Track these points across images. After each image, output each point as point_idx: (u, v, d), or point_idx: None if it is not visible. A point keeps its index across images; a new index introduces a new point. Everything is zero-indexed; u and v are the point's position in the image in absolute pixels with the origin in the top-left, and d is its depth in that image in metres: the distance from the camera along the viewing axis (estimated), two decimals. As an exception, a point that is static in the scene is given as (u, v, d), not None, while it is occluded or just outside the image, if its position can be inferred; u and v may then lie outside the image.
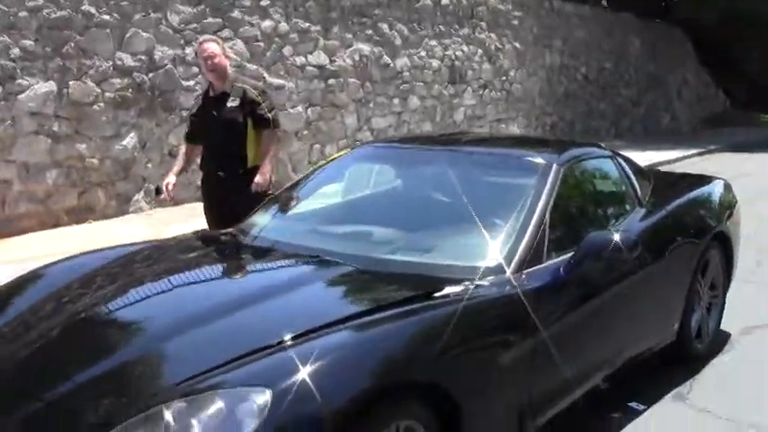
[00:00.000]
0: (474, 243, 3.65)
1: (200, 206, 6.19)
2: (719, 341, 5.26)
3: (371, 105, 13.62)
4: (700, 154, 17.38)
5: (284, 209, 4.50)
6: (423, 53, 14.78)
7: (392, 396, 2.66)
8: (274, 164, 5.94)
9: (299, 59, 12.18)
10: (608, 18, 22.04)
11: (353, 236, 3.95)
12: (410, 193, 4.50)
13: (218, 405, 2.41)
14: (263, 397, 2.40)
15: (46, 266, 4.00)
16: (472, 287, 3.27)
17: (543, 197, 3.82)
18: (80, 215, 9.49)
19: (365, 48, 13.38)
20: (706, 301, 5.06)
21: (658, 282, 4.44)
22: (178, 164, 6.07)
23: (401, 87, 14.25)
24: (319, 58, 12.52)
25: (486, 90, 16.62)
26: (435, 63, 15.10)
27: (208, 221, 5.86)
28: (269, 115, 5.70)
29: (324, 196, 4.61)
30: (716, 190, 5.51)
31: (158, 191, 10.15)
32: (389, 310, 2.99)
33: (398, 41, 14.13)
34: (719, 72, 28.33)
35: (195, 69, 10.44)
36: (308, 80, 12.34)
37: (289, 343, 2.70)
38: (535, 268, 3.54)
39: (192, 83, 10.44)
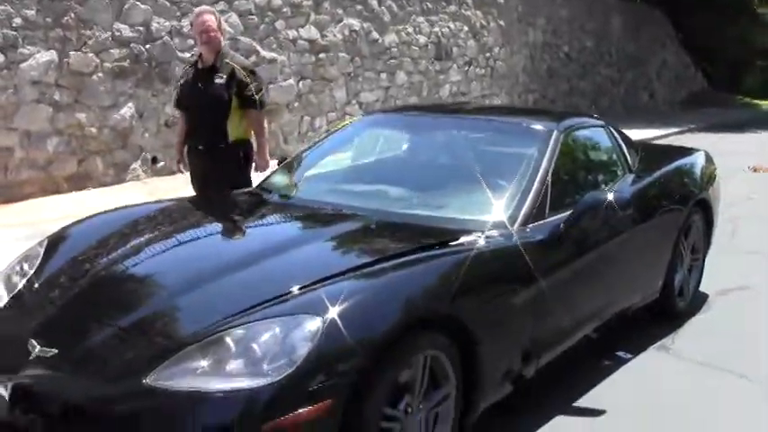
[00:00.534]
0: (483, 200, 4.00)
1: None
2: (698, 301, 5.65)
3: (360, 80, 13.91)
4: (677, 133, 17.78)
5: (301, 170, 4.82)
6: (410, 29, 15.06)
7: (419, 328, 2.99)
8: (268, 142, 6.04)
9: (291, 33, 12.44)
10: (589, -3, 22.41)
11: (371, 194, 4.26)
12: (420, 156, 4.82)
13: (274, 331, 2.73)
14: (314, 323, 2.73)
15: (73, 224, 4.22)
16: (483, 237, 3.62)
17: (545, 160, 4.17)
18: (79, 182, 9.72)
19: (355, 23, 13.65)
20: (688, 263, 5.43)
21: (646, 242, 4.79)
22: (180, 134, 6.00)
23: (389, 63, 14.54)
24: (310, 32, 12.78)
25: (471, 67, 16.93)
26: (422, 39, 15.39)
27: (194, 191, 5.88)
28: (256, 97, 5.68)
29: (337, 160, 4.93)
30: (698, 161, 5.87)
31: (155, 160, 10.51)
32: (412, 255, 3.32)
33: (387, 17, 14.40)
34: (698, 53, 28.79)
35: (191, 42, 10.66)
36: (299, 54, 12.61)
37: (329, 281, 3.03)
38: (538, 223, 3.89)
39: (187, 54, 10.64)
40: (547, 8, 19.70)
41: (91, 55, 9.66)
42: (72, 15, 9.44)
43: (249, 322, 2.80)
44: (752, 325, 5.30)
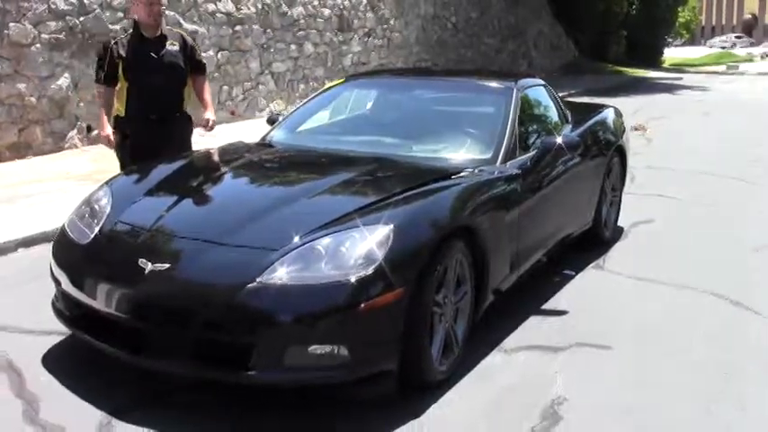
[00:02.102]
0: (471, 144, 4.97)
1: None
2: (617, 232, 6.79)
3: (272, 51, 14.62)
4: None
5: (297, 126, 5.62)
6: (315, 2, 15.82)
7: (451, 236, 3.89)
8: None
9: (211, 6, 13.04)
10: (474, -30, 23.57)
11: (373, 142, 5.11)
12: (410, 111, 5.69)
13: (354, 237, 3.58)
14: (385, 230, 3.61)
15: (127, 172, 4.98)
16: (477, 171, 4.56)
17: (511, 111, 5.15)
18: (20, 151, 10.13)
19: (267, -4, 14.34)
20: (610, 199, 6.53)
21: (583, 180, 5.85)
22: (106, 110, 5.82)
23: (297, 34, 15.28)
24: (227, 5, 13.40)
25: (370, 38, 17.83)
26: (326, 12, 16.18)
27: (122, 162, 5.82)
28: (205, 61, 5.93)
29: (324, 117, 5.75)
30: (612, 114, 7.00)
31: (89, 128, 10.97)
32: (432, 184, 4.24)
33: (295, -10, 15.14)
34: (570, 23, 30.51)
35: (120, 14, 11.19)
36: (218, 26, 13.23)
37: (380, 204, 3.91)
38: (512, 161, 4.86)
39: (117, 27, 11.15)
40: (436, -19, 20.75)
41: (29, 26, 10.06)
42: (10, -13, 9.80)
43: (334, 233, 3.64)
44: (658, 247, 6.56)
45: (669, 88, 25.31)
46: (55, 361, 4.13)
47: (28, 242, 6.37)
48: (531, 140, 5.23)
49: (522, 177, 4.78)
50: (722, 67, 40.99)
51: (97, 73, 5.85)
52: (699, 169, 10.19)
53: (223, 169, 4.81)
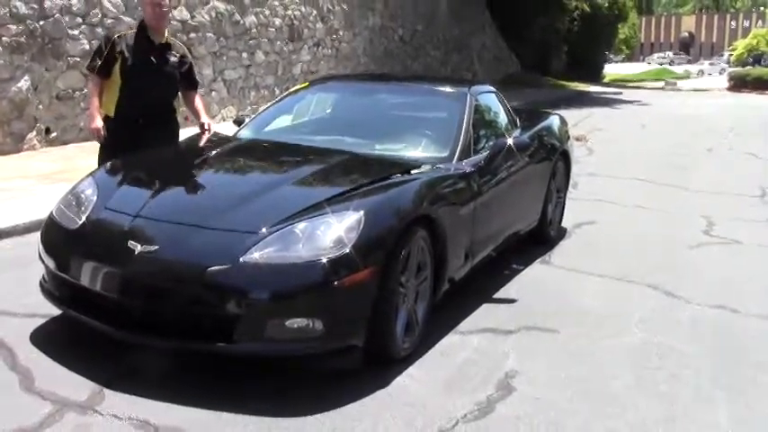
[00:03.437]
0: (429, 142, 5.38)
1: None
2: (562, 231, 7.25)
3: (224, 58, 14.90)
4: (504, 109, 19.66)
5: (263, 127, 5.95)
6: (267, 12, 16.14)
7: (413, 223, 4.27)
8: None
9: (167, 13, 13.24)
10: (421, -16, 24.10)
11: (337, 141, 5.44)
12: (371, 112, 6.05)
13: (329, 222, 3.96)
14: (357, 216, 4.00)
15: (114, 163, 5.14)
16: (434, 168, 4.97)
17: (466, 114, 5.57)
18: (-22, 151, 10.27)
19: (220, 5, 14.62)
20: (554, 200, 6.98)
21: (530, 181, 6.29)
22: (96, 101, 5.84)
23: (249, 43, 15.59)
24: (182, 13, 13.65)
25: (319, 48, 18.20)
26: (278, 21, 16.51)
27: (101, 160, 5.73)
28: (198, 80, 6.16)
29: (290, 119, 6.10)
30: (557, 121, 7.47)
31: (48, 131, 11.13)
32: (394, 178, 4.64)
33: (247, 1, 15.43)
34: (512, 38, 31.25)
35: (79, 20, 11.40)
36: (172, 33, 13.42)
37: (350, 194, 4.30)
38: (467, 160, 5.26)
39: (76, 32, 11.35)
40: (384, -7, 21.23)
41: (-10, 30, 10.21)
42: (-28, -9, 9.96)
43: (310, 218, 4.02)
44: (599, 245, 7.07)
45: (609, 102, 26.16)
46: (43, 340, 4.39)
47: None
48: (484, 142, 5.65)
49: (477, 175, 5.19)
50: (661, 83, 42.23)
51: (93, 60, 5.81)
52: (636, 176, 10.84)
53: (203, 158, 5.16)
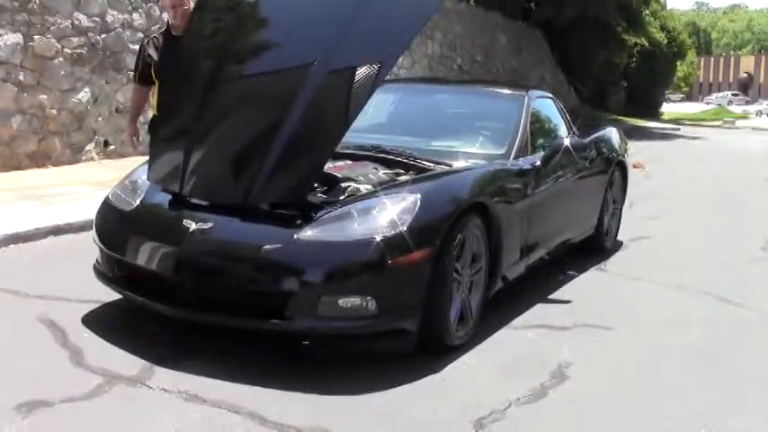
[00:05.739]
0: (487, 140, 5.36)
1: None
2: (618, 244, 7.14)
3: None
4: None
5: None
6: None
7: (468, 211, 4.22)
8: None
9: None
10: (479, 15, 24.17)
11: (394, 140, 5.38)
12: (425, 112, 6.06)
13: (386, 202, 3.94)
14: (414, 198, 3.98)
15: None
16: (490, 162, 4.93)
17: (523, 115, 5.54)
18: (38, 160, 10.42)
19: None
20: (611, 211, 6.88)
21: (587, 189, 6.21)
22: (133, 110, 6.13)
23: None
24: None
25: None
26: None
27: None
28: None
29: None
30: (615, 133, 7.36)
31: (107, 143, 11.31)
32: (451, 167, 4.64)
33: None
34: (571, 72, 31.20)
35: (140, 35, 11.59)
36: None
37: (412, 177, 4.38)
38: (524, 158, 5.21)
39: (137, 46, 11.53)
40: (443, 23, 21.30)
41: (53, 40, 10.41)
42: (36, 2, 10.17)
43: (366, 199, 4.03)
44: (656, 257, 6.97)
45: (667, 136, 26.00)
46: (94, 322, 4.41)
47: (56, 231, 6.68)
48: (540, 143, 5.59)
49: (533, 173, 5.13)
50: (718, 122, 41.79)
51: (135, 70, 6.05)
52: (693, 199, 10.70)
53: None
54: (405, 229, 3.81)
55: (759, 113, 59.36)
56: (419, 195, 3.99)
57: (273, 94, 4.37)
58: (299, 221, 3.88)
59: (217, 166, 4.34)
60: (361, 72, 4.15)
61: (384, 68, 4.17)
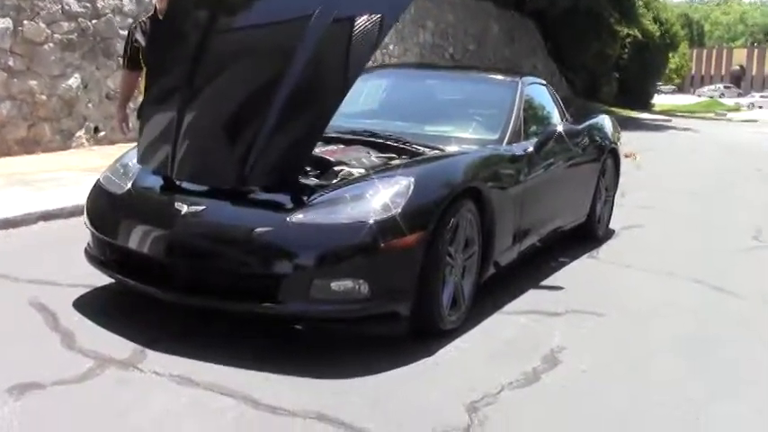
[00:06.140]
0: (481, 125, 5.33)
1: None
2: (609, 232, 7.15)
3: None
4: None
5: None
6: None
7: (461, 195, 4.21)
8: None
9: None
10: (471, 5, 24.11)
11: (387, 125, 5.38)
12: (418, 97, 6.04)
13: (379, 186, 3.92)
14: (407, 181, 3.96)
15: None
16: (483, 147, 4.93)
17: (517, 100, 5.52)
18: (28, 146, 10.34)
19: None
20: (603, 198, 6.87)
21: (578, 175, 6.20)
22: (122, 96, 6.25)
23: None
24: None
25: (370, 62, 18.20)
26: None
27: None
28: None
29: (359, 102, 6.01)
30: (608, 120, 7.36)
31: (97, 130, 11.25)
32: (444, 152, 4.62)
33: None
34: (563, 62, 31.16)
35: (130, 20, 11.50)
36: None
37: (406, 161, 4.34)
38: (517, 143, 5.20)
39: (126, 32, 11.45)
40: (435, 12, 21.25)
41: (43, 26, 10.32)
42: (26, -14, 10.11)
43: (359, 182, 4.01)
44: (647, 244, 7.00)
45: (659, 128, 26.02)
46: (86, 305, 4.38)
47: (46, 216, 6.64)
48: (533, 130, 5.57)
49: (526, 158, 5.13)
50: (710, 114, 41.86)
51: (123, 56, 6.07)
52: (685, 189, 10.72)
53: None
54: (398, 212, 3.80)
55: (751, 105, 59.56)
56: (412, 179, 3.98)
57: (267, 58, 4.26)
58: (291, 205, 3.86)
59: (207, 148, 4.29)
60: (363, 23, 4.01)
61: (386, 25, 4.11)
